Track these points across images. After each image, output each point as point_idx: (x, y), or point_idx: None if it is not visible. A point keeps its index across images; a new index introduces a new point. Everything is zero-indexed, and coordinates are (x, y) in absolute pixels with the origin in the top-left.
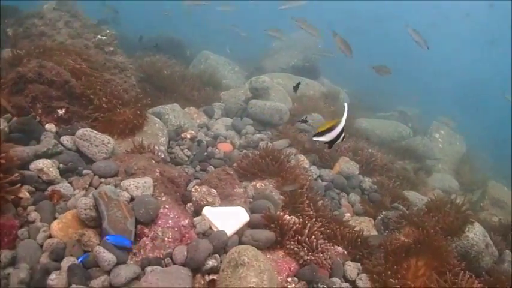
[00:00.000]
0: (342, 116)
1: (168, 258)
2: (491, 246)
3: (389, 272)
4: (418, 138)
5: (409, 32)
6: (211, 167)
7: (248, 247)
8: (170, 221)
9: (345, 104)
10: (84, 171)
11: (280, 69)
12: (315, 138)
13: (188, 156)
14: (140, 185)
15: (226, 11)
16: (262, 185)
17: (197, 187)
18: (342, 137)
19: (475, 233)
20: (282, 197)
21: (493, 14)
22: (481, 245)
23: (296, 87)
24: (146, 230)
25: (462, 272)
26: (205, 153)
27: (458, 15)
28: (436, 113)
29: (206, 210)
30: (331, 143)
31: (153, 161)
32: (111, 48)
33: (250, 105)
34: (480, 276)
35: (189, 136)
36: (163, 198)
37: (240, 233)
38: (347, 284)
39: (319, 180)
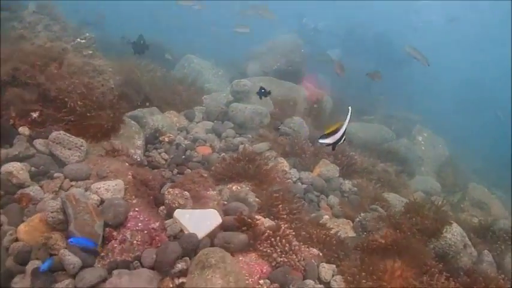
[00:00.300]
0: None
1: (137, 261)
2: (469, 247)
3: (363, 274)
4: (401, 141)
5: (407, 51)
6: (189, 170)
7: (216, 249)
8: (140, 224)
9: (349, 108)
10: (56, 175)
11: (262, 73)
12: (320, 141)
13: (165, 160)
14: (110, 188)
15: (200, 9)
16: (238, 187)
17: (170, 190)
18: (343, 139)
19: (453, 234)
20: (257, 199)
21: (491, 15)
22: (459, 246)
23: (261, 93)
24: (115, 233)
25: (438, 273)
26: (183, 157)
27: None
28: (424, 115)
29: (177, 213)
30: (334, 145)
31: (127, 164)
32: (90, 52)
33: (231, 109)
34: (458, 276)
35: (166, 139)
36: (134, 201)
37: (212, 235)
38: (321, 286)
39: (299, 183)
